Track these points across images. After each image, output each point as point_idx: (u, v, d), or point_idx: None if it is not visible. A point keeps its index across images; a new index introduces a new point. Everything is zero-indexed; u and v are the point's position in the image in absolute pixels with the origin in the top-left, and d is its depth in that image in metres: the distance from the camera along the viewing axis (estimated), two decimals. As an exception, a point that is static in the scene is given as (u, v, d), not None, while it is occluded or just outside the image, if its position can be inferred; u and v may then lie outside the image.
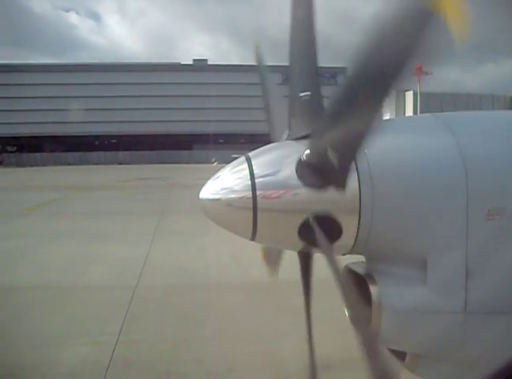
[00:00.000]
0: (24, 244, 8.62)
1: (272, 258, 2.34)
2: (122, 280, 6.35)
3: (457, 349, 1.65)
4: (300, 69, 1.93)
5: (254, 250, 2.47)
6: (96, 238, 9.26)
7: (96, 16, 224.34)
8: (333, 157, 1.45)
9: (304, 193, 1.59)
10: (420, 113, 43.23)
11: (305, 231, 1.60)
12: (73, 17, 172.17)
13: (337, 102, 1.50)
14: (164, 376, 3.69)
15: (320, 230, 1.54)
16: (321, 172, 1.56)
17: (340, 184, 1.54)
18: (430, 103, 63.94)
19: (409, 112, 70.16)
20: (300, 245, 1.68)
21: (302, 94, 1.82)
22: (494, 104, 65.83)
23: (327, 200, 1.59)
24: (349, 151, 1.46)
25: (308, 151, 1.58)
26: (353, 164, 1.56)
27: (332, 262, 1.46)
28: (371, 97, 1.32)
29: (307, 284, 1.94)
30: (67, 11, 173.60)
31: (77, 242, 8.86)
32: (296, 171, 1.61)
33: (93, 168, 43.08)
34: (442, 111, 1.96)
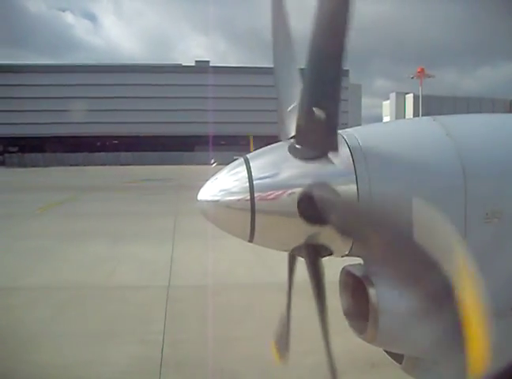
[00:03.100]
0: (46, 244, 8.65)
1: (282, 343, 2.22)
2: (154, 280, 6.41)
3: (455, 352, 1.64)
4: (286, 71, 2.01)
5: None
6: (117, 238, 9.29)
7: (92, 17, 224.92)
8: (318, 119, 1.49)
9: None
10: (421, 115, 43.44)
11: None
12: (69, 17, 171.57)
13: (307, 76, 1.55)
14: (218, 373, 3.75)
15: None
16: (311, 139, 1.59)
17: (332, 147, 1.58)
18: (430, 105, 64.34)
19: (409, 114, 70.49)
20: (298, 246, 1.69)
21: (289, 108, 1.87)
22: (494, 107, 66.25)
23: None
24: (329, 109, 1.51)
25: (297, 119, 1.62)
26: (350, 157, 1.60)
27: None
28: (330, 59, 1.44)
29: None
30: (63, 11, 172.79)
31: (99, 242, 8.87)
32: (289, 150, 1.64)
33: (96, 169, 42.99)
34: (441, 114, 1.97)
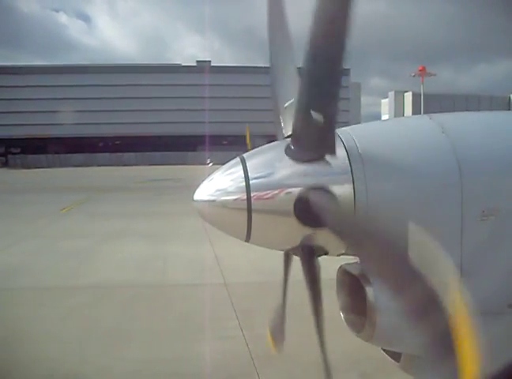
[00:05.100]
0: (85, 244, 8.69)
1: (277, 332, 2.25)
2: (208, 278, 6.44)
3: (453, 350, 1.64)
4: (282, 69, 2.01)
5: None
6: (151, 237, 9.33)
7: (86, 17, 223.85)
8: (315, 121, 1.47)
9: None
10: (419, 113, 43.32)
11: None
12: (63, 18, 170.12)
13: (305, 78, 1.53)
14: (315, 366, 3.79)
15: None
16: (308, 142, 1.58)
17: (329, 149, 1.57)
18: (428, 103, 64.61)
19: (408, 113, 70.72)
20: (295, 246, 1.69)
21: (286, 104, 1.87)
22: (492, 104, 66.64)
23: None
24: (328, 112, 1.49)
25: (294, 122, 1.60)
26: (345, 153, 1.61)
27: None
28: (330, 62, 1.41)
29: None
30: (57, 11, 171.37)
31: (135, 241, 8.93)
32: (285, 152, 1.63)
33: (100, 169, 42.88)
34: (440, 112, 1.95)
